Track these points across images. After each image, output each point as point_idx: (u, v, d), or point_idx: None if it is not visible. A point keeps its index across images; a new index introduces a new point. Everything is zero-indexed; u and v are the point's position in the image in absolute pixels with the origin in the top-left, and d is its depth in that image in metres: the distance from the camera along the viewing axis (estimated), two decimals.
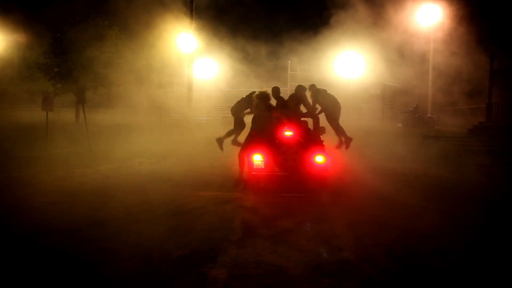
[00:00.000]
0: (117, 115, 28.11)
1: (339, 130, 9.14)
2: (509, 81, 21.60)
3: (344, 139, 9.23)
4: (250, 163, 8.15)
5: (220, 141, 9.41)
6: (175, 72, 27.01)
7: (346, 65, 30.18)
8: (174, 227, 5.89)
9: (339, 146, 9.36)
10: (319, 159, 8.04)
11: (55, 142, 15.21)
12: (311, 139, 8.42)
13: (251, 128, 8.84)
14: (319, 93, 9.01)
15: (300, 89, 9.05)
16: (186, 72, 24.50)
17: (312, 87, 9.17)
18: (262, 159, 8.04)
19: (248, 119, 9.14)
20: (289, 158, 8.05)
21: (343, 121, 9.50)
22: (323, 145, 8.35)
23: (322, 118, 9.21)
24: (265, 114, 8.65)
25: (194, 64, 24.67)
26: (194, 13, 23.16)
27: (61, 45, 23.64)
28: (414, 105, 27.39)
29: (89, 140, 15.20)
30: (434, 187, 9.56)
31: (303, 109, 9.29)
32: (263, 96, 8.73)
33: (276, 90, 9.13)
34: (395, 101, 29.93)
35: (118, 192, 8.14)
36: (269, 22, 33.15)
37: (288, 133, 8.19)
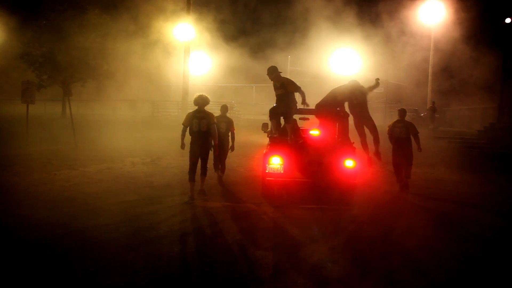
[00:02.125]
0: (107, 110, 26.45)
1: (375, 133, 7.70)
2: None
3: (375, 148, 7.81)
4: (266, 167, 6.82)
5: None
6: (170, 64, 25.48)
7: (345, 61, 29.00)
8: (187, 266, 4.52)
9: (376, 155, 7.81)
10: (349, 163, 6.75)
11: (37, 138, 13.69)
12: (340, 140, 7.12)
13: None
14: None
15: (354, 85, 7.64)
16: (182, 65, 22.98)
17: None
18: (281, 163, 6.71)
19: None
20: (314, 162, 6.71)
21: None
22: (354, 148, 7.04)
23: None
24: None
25: (190, 57, 23.15)
26: (191, 2, 21.65)
27: (46, 34, 21.99)
28: (432, 103, 26.29)
29: (75, 137, 13.69)
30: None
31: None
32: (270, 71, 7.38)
33: (272, 70, 7.44)
34: (399, 100, 28.81)
35: (107, 205, 6.64)
36: (268, 14, 31.80)
37: (314, 132, 6.89)
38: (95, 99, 27.62)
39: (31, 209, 6.26)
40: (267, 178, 6.79)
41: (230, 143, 8.44)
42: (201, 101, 6.95)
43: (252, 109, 26.51)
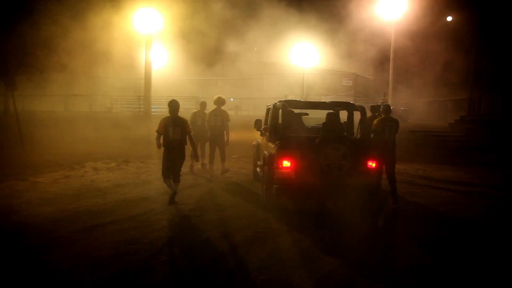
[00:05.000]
0: (58, 107, 23.83)
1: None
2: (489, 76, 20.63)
3: None
4: (274, 171, 5.55)
5: None
6: (130, 57, 23.33)
7: (305, 54, 28.25)
8: None
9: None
10: (372, 165, 5.66)
11: None
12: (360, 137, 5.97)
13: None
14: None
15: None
16: (144, 56, 21.00)
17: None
18: (291, 166, 5.47)
19: None
20: (334, 165, 5.49)
21: None
22: (375, 146, 5.91)
23: None
24: None
25: (153, 48, 21.19)
26: None
27: None
28: (382, 97, 25.93)
29: (21, 138, 11.61)
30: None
31: None
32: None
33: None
34: (367, 93, 28.50)
35: (72, 235, 5.00)
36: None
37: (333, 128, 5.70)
38: (43, 94, 24.74)
39: None
40: (276, 186, 5.50)
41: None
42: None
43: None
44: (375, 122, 6.77)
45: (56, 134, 14.31)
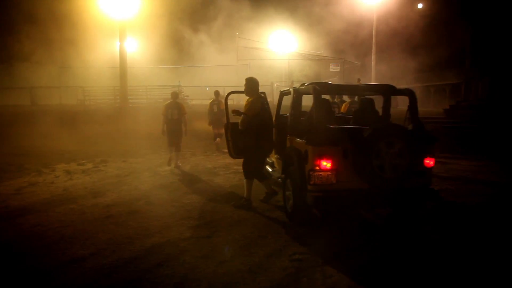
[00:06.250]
0: (23, 100, 21.61)
1: None
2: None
3: None
4: (308, 174, 4.25)
5: None
6: (103, 44, 21.38)
7: (284, 40, 27.01)
8: None
9: None
10: (429, 163, 4.45)
11: None
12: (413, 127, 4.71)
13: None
14: None
15: None
16: (117, 44, 19.15)
17: None
18: (332, 167, 4.18)
19: None
20: (389, 164, 4.21)
21: None
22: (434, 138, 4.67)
23: None
24: None
25: (127, 35, 19.31)
26: None
27: None
28: (357, 82, 24.89)
29: None
30: None
31: None
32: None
33: None
34: (354, 79, 27.49)
35: (32, 269, 3.65)
36: None
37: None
38: (5, 86, 22.36)
39: None
40: (313, 194, 4.19)
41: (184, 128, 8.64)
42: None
43: (198, 93, 23.25)
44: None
45: (21, 131, 12.51)
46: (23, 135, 11.99)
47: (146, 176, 7.61)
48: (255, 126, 5.25)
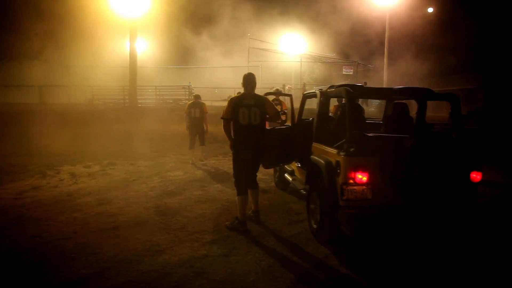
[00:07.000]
0: (31, 98, 21.36)
1: None
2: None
3: None
4: (340, 188, 3.75)
5: None
6: (113, 43, 21.07)
7: (294, 43, 26.66)
8: None
9: None
10: (476, 177, 3.93)
11: None
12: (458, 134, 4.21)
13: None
14: None
15: None
16: (129, 44, 18.81)
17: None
18: (368, 180, 3.68)
19: None
20: (433, 177, 3.69)
21: None
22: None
23: None
24: None
25: (138, 35, 18.98)
26: None
27: None
28: (364, 84, 24.31)
29: None
30: None
31: None
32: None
33: None
34: (368, 82, 26.97)
35: None
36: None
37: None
38: (15, 84, 22.12)
39: None
40: (347, 211, 3.70)
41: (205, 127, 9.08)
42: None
43: (211, 94, 22.85)
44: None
45: (28, 130, 12.16)
46: (28, 134, 11.63)
47: (156, 182, 7.15)
48: (236, 131, 4.58)
